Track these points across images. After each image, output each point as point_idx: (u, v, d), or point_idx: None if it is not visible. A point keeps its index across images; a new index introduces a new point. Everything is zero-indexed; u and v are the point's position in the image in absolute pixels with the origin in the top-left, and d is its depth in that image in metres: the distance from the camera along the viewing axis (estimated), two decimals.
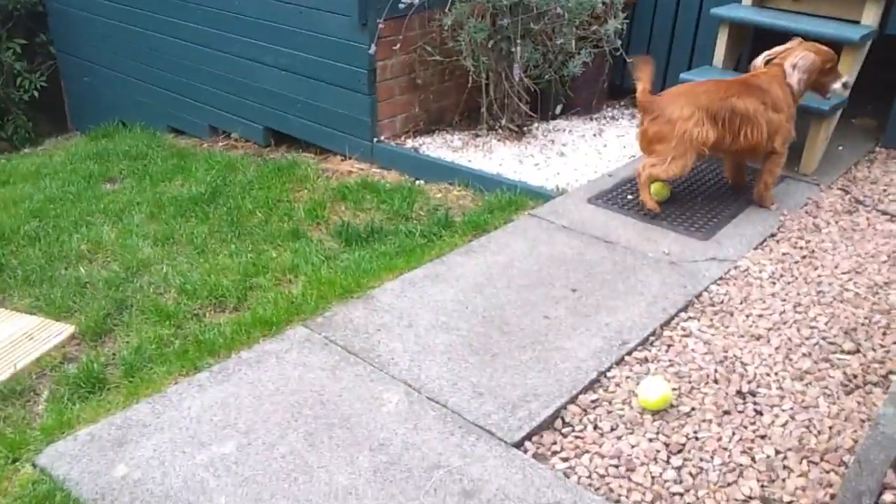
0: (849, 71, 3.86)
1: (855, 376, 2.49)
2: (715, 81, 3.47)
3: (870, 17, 3.92)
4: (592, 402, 2.40)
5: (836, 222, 3.49)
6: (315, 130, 4.64)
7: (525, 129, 4.55)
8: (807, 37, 3.67)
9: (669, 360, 2.58)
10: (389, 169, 4.37)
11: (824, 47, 3.54)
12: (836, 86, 3.57)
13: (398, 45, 4.21)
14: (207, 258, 3.47)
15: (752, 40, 4.55)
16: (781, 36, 3.78)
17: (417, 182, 4.20)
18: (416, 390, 2.41)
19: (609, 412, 2.36)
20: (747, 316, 2.82)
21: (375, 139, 4.39)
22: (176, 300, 3.14)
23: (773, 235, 3.38)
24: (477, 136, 4.54)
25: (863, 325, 2.75)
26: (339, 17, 4.19)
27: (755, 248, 3.28)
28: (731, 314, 2.83)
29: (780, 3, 4.27)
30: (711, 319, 2.80)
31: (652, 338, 2.70)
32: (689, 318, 2.82)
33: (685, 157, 3.29)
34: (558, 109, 4.73)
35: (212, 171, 4.45)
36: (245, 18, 4.67)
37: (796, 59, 3.43)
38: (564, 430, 2.29)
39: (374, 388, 2.41)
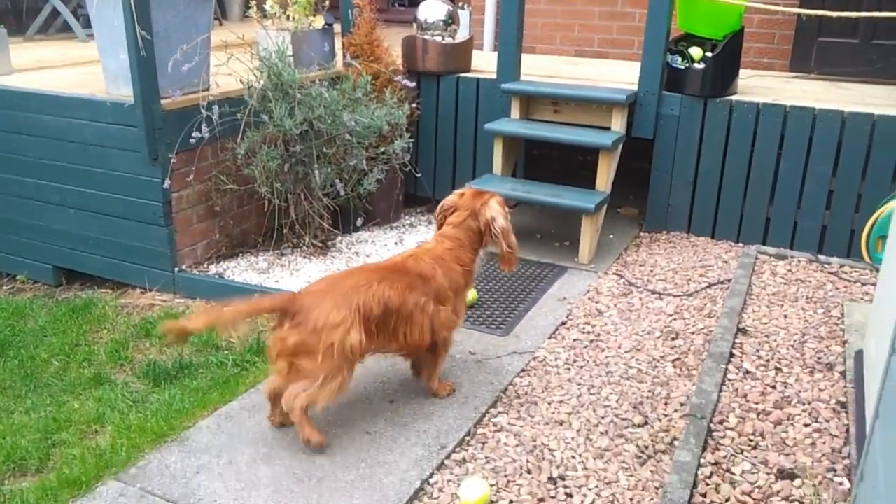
0: (608, 170, 4.41)
1: (646, 447, 2.78)
2: (365, 270, 2.87)
3: (617, 124, 4.53)
4: None
5: (616, 305, 3.91)
6: (111, 265, 4.49)
7: (329, 243, 4.70)
8: (568, 145, 4.16)
9: (485, 458, 2.74)
10: (194, 298, 4.30)
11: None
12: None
13: (192, 176, 4.24)
14: (1, 419, 3.21)
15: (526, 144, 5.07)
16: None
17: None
18: None
19: None
20: (549, 403, 3.07)
21: (176, 269, 4.33)
22: None
23: (563, 324, 3.72)
24: (282, 255, 4.61)
25: (647, 398, 3.09)
26: (128, 152, 4.15)
27: (549, 338, 3.58)
28: (535, 403, 3.07)
29: (542, 114, 4.82)
30: (518, 411, 3.02)
31: (468, 437, 2.86)
32: (499, 412, 3.01)
33: (342, 372, 2.64)
34: (359, 222, 4.93)
35: None
36: (26, 159, 4.50)
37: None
38: None
39: None
